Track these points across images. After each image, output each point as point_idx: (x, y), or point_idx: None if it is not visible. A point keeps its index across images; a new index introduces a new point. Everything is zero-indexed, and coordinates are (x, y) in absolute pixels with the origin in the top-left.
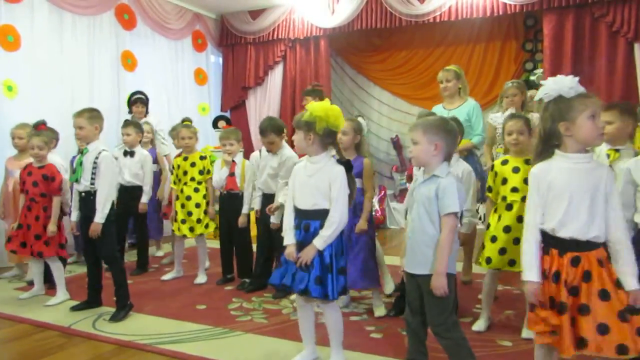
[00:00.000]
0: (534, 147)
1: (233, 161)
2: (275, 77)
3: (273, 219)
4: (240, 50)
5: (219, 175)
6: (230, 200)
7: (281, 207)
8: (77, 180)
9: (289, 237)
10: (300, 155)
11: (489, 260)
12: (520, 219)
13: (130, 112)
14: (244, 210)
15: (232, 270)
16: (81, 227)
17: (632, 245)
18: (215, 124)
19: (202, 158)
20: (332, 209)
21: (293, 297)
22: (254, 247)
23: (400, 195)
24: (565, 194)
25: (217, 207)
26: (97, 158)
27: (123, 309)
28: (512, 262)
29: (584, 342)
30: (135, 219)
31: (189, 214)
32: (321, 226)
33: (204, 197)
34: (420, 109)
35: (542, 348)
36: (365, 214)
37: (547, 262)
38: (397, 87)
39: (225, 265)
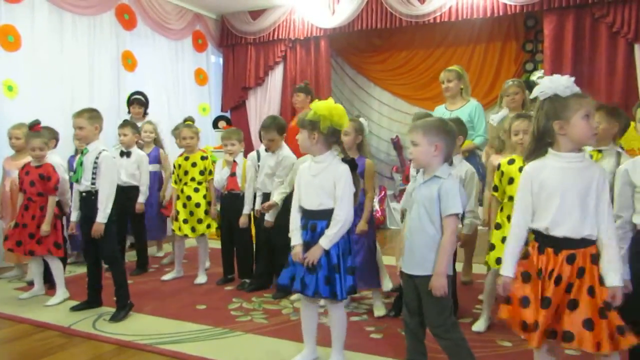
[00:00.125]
0: (526, 145)
1: (234, 161)
2: (276, 78)
3: (267, 217)
4: (241, 50)
5: (220, 175)
6: (231, 201)
7: (275, 205)
8: (77, 181)
9: (295, 238)
10: (299, 155)
11: (499, 261)
12: None
13: (129, 112)
14: (245, 210)
15: (233, 271)
16: (82, 227)
17: (632, 246)
18: (215, 124)
19: (203, 158)
20: (337, 208)
21: (293, 297)
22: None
23: (400, 195)
24: (557, 192)
25: (218, 207)
26: (97, 158)
27: (123, 309)
28: None
29: (569, 336)
30: (132, 219)
31: (191, 213)
32: (327, 226)
33: (204, 197)
34: (419, 110)
35: (542, 348)
36: (366, 214)
37: (543, 261)
38: (397, 87)
39: (226, 265)
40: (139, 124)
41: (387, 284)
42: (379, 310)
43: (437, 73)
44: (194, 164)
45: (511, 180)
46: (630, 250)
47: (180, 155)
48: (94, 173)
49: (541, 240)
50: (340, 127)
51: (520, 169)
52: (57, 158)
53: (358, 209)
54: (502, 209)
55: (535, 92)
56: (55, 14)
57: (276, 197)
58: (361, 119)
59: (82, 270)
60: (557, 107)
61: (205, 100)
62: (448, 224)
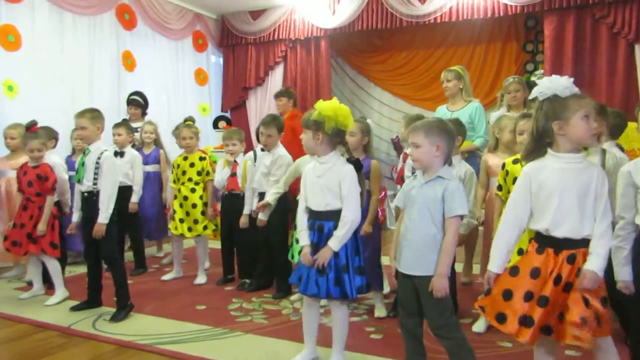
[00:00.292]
0: (525, 145)
1: (235, 161)
2: (276, 78)
3: (261, 216)
4: (241, 50)
5: (220, 175)
6: (231, 201)
7: (269, 206)
8: (79, 181)
9: (303, 239)
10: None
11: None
12: None
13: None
14: (245, 210)
15: (233, 271)
16: (83, 227)
17: (634, 247)
18: (215, 125)
19: (201, 159)
20: (344, 208)
21: (293, 297)
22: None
23: None
24: (556, 193)
25: (219, 207)
26: (99, 158)
27: (123, 309)
28: None
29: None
30: (126, 218)
31: (187, 214)
32: (335, 226)
33: (201, 197)
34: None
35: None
36: (371, 216)
37: (542, 261)
38: (397, 87)
39: (226, 265)
40: (139, 124)
41: (385, 287)
42: (380, 312)
43: (438, 73)
44: (192, 164)
45: (515, 180)
46: (633, 251)
47: (180, 155)
48: (95, 173)
49: (541, 240)
50: (345, 127)
51: None
52: (57, 158)
53: (364, 210)
54: None
55: (535, 92)
56: (56, 13)
57: (269, 197)
58: (369, 120)
59: (82, 270)
60: (556, 108)
61: (205, 100)
62: (451, 225)
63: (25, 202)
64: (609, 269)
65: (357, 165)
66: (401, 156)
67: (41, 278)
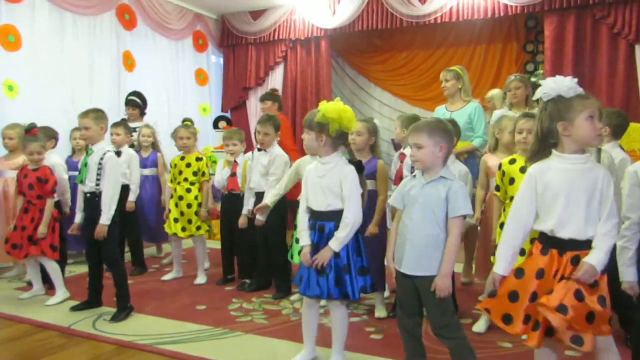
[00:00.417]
0: (529, 146)
1: (235, 161)
2: (276, 78)
3: (258, 216)
4: (241, 50)
5: (220, 175)
6: (231, 201)
7: (267, 207)
8: (82, 181)
9: (304, 239)
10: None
11: None
12: None
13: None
14: (244, 210)
15: (233, 271)
16: (85, 228)
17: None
18: (215, 125)
19: (198, 159)
20: (346, 210)
21: (293, 297)
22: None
23: None
24: (562, 194)
25: (218, 206)
26: (102, 159)
27: (124, 310)
28: None
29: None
30: (123, 218)
31: (182, 213)
32: (336, 227)
33: (196, 197)
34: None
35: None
36: (378, 216)
37: (546, 262)
38: (397, 88)
39: (226, 265)
40: (138, 125)
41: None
42: (380, 312)
43: (438, 74)
44: (188, 165)
45: (512, 181)
46: (639, 252)
47: (178, 154)
48: (98, 174)
49: (545, 241)
50: (349, 129)
51: (521, 169)
52: (57, 158)
53: (370, 211)
54: (504, 209)
55: (539, 93)
56: (56, 13)
57: (268, 199)
58: (376, 120)
59: (82, 270)
60: (561, 108)
61: (205, 100)
62: (455, 225)
63: (26, 205)
64: (613, 270)
65: (359, 166)
66: (397, 156)
67: (40, 278)
